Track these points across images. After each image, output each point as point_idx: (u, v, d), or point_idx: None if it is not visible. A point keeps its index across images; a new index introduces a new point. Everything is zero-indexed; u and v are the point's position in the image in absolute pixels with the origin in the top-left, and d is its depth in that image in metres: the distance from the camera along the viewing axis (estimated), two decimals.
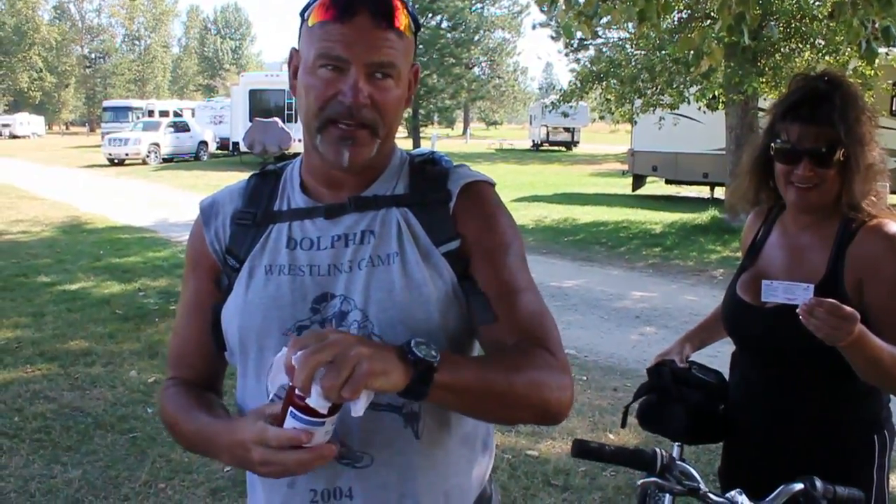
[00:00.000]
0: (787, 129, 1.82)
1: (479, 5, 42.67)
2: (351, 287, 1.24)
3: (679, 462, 1.65)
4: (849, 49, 9.31)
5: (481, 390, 1.12)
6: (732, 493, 1.56)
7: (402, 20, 1.21)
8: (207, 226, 1.37)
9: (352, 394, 0.97)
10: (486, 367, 1.15)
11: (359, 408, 1.01)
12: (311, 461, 1.06)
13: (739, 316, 1.96)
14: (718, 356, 2.27)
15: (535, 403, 1.18)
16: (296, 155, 1.41)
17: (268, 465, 1.08)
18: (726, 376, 2.08)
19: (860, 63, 7.49)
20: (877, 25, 3.61)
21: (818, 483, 1.56)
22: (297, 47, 1.29)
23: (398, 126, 1.31)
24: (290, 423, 1.04)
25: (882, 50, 4.48)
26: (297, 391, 1.01)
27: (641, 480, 1.61)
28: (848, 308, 1.55)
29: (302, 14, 1.25)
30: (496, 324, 1.24)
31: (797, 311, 1.59)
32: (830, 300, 1.56)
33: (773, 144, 1.85)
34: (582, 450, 1.60)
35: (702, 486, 1.57)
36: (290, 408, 1.03)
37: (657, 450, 1.61)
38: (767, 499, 1.58)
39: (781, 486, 1.59)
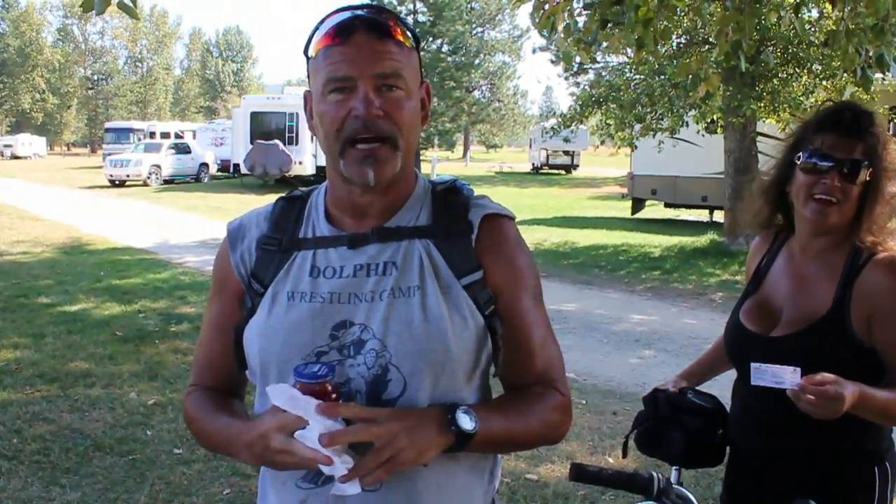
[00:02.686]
0: (821, 139, 1.78)
1: (479, 29, 43.04)
2: (371, 317, 1.28)
3: (676, 486, 1.66)
4: (845, 75, 9.39)
5: (504, 441, 1.30)
6: None
7: (401, 33, 1.26)
8: (233, 248, 1.41)
9: (383, 475, 1.15)
10: (510, 420, 1.30)
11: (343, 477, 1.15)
12: (317, 457, 1.13)
13: (743, 343, 1.94)
14: (719, 380, 2.28)
15: (543, 442, 1.39)
16: (296, 177, 1.44)
17: (284, 452, 1.16)
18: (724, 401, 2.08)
19: (856, 89, 7.57)
20: (870, 53, 3.65)
21: None
22: (309, 89, 1.33)
23: (416, 141, 1.34)
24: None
25: (878, 75, 4.54)
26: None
27: None
28: (833, 389, 1.53)
29: (305, 52, 1.29)
30: (514, 366, 1.36)
31: (787, 392, 1.58)
32: (813, 387, 1.54)
33: (800, 155, 1.81)
34: (579, 474, 1.61)
35: None
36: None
37: (654, 473, 1.62)
38: None
39: None
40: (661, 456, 2.12)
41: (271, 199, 1.50)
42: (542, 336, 1.37)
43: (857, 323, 1.74)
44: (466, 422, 1.19)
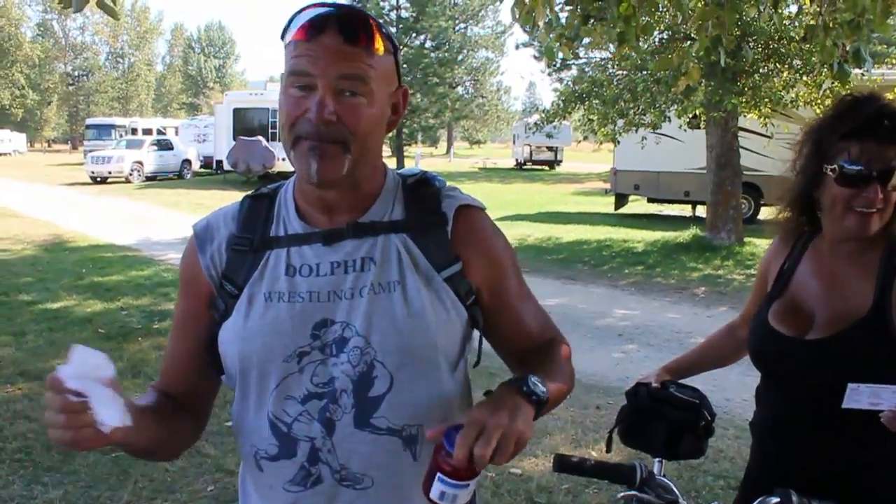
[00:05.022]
0: (856, 147, 1.68)
1: (462, 25, 43.02)
2: (352, 314, 1.27)
3: (659, 477, 1.67)
4: (825, 70, 9.48)
5: (555, 400, 1.31)
6: None
7: (375, 39, 1.23)
8: (202, 250, 1.37)
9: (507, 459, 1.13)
10: (555, 380, 1.31)
11: None
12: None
13: (775, 348, 1.84)
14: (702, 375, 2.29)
15: (570, 391, 1.41)
16: (280, 174, 1.42)
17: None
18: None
19: (834, 83, 7.65)
20: (847, 48, 3.69)
21: (794, 496, 1.58)
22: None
23: (377, 145, 1.32)
24: (437, 487, 1.16)
25: (857, 71, 4.56)
26: (442, 458, 1.15)
27: (621, 494, 1.63)
28: None
29: (282, 38, 1.27)
30: (514, 342, 1.44)
31: (881, 416, 1.52)
32: None
33: (834, 167, 1.70)
34: (563, 464, 1.62)
35: (680, 499, 1.60)
36: (438, 473, 1.15)
37: (637, 464, 1.63)
38: None
39: (759, 499, 1.62)
40: (643, 448, 2.13)
41: None
42: (532, 309, 1.45)
43: None
44: (539, 388, 1.21)
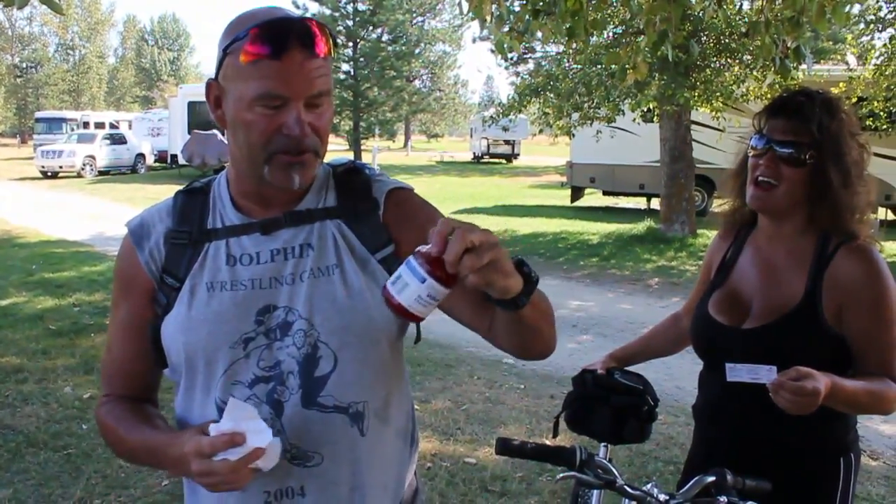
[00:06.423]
0: (769, 123, 1.81)
1: (419, 19, 42.88)
2: (294, 298, 1.31)
3: (598, 458, 1.72)
4: (772, 65, 9.69)
5: (544, 308, 1.28)
6: (648, 485, 1.65)
7: (327, 44, 1.26)
8: (140, 246, 1.39)
9: (479, 279, 1.05)
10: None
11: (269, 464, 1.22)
12: (243, 465, 1.16)
13: (714, 336, 1.93)
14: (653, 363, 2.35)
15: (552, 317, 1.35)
16: None
17: (206, 475, 1.17)
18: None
19: (777, 78, 7.83)
20: (789, 44, 3.79)
21: (728, 475, 1.65)
22: (215, 79, 1.31)
23: None
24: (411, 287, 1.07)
25: (803, 66, 4.68)
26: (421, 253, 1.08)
27: (560, 475, 1.69)
28: (810, 385, 1.51)
29: (225, 49, 1.26)
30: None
31: (767, 386, 1.57)
32: (791, 383, 1.52)
33: (748, 144, 1.84)
34: (505, 448, 1.67)
35: (619, 479, 1.65)
36: (428, 271, 1.06)
37: (577, 446, 1.69)
38: (682, 491, 1.68)
39: (695, 478, 1.68)
40: (589, 433, 2.19)
41: None
42: None
43: (829, 312, 1.75)
44: (531, 269, 1.15)
